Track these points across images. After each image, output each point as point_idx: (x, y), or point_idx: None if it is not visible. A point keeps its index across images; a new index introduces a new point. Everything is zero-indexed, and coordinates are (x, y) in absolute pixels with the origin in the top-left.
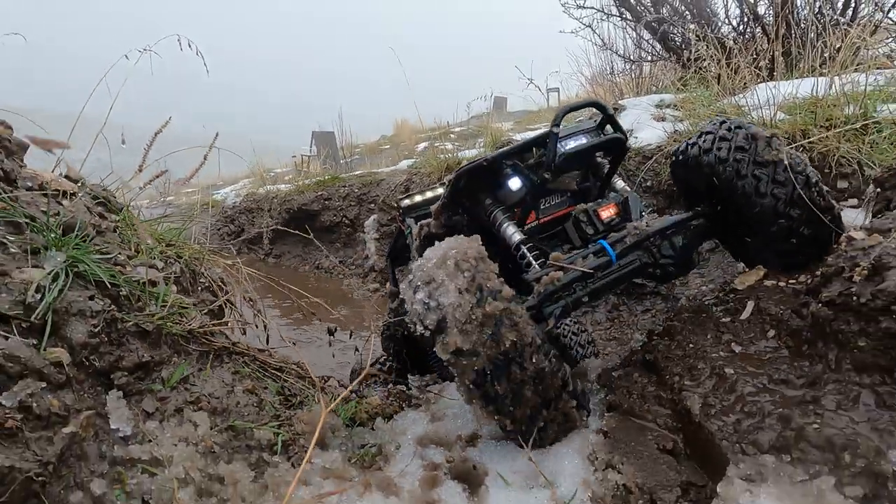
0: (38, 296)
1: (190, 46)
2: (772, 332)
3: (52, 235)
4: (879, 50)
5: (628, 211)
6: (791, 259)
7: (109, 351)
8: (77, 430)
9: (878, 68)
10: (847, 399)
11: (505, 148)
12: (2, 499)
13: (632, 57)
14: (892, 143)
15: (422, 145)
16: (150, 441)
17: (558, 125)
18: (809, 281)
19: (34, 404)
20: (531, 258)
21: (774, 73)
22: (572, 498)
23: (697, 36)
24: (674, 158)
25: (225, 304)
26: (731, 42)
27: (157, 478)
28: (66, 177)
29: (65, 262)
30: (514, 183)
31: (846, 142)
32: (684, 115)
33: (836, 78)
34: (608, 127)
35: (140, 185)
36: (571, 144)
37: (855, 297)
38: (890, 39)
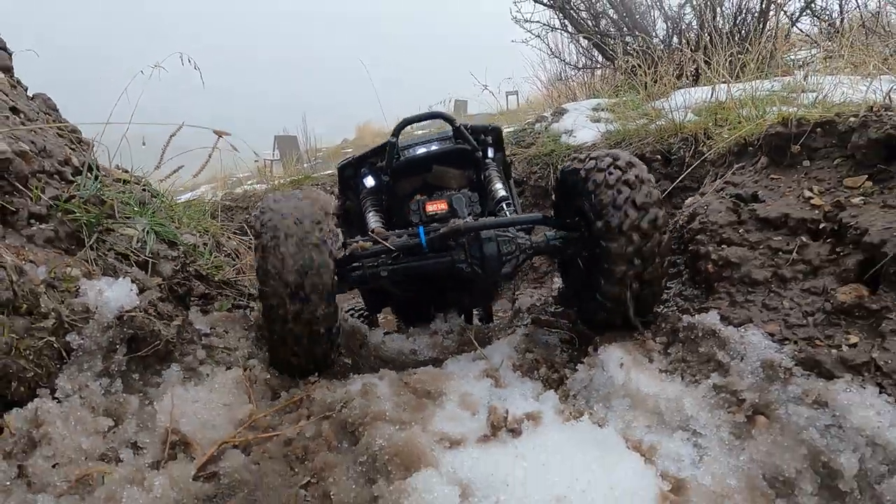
0: (139, 244)
1: (189, 61)
2: None
3: (136, 208)
4: (788, 58)
5: (454, 209)
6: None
7: (184, 284)
8: (180, 324)
9: (781, 75)
10: (669, 297)
11: (365, 151)
12: (158, 347)
13: (577, 65)
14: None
15: None
16: (222, 337)
17: (396, 136)
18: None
19: (157, 305)
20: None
21: (699, 80)
22: (500, 365)
23: (626, 48)
24: (566, 169)
25: (241, 267)
26: (657, 54)
27: (232, 355)
28: (118, 167)
29: (148, 224)
30: (369, 181)
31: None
32: (616, 118)
33: (737, 84)
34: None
35: (160, 179)
36: (420, 151)
37: (680, 232)
38: (797, 49)
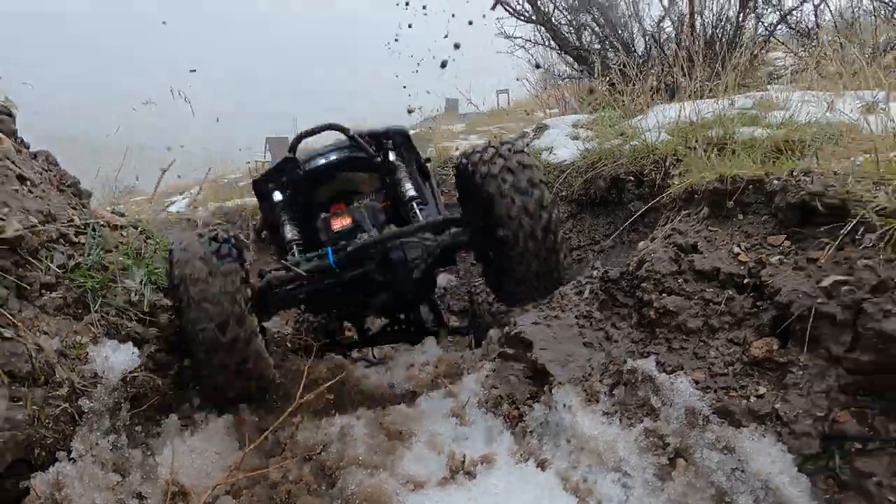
0: (137, 297)
1: (180, 94)
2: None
3: (132, 259)
4: (765, 70)
5: (358, 224)
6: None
7: (178, 331)
8: (175, 373)
9: (757, 90)
10: (620, 339)
11: (266, 170)
12: (157, 401)
13: (563, 76)
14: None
15: None
16: None
17: (293, 151)
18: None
19: (155, 357)
20: (295, 253)
21: (676, 94)
22: (467, 402)
23: (607, 62)
24: (458, 165)
25: None
26: (633, 71)
27: None
28: (114, 212)
29: (146, 275)
30: (276, 195)
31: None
32: (594, 135)
33: (709, 101)
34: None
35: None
36: (320, 162)
37: (631, 277)
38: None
